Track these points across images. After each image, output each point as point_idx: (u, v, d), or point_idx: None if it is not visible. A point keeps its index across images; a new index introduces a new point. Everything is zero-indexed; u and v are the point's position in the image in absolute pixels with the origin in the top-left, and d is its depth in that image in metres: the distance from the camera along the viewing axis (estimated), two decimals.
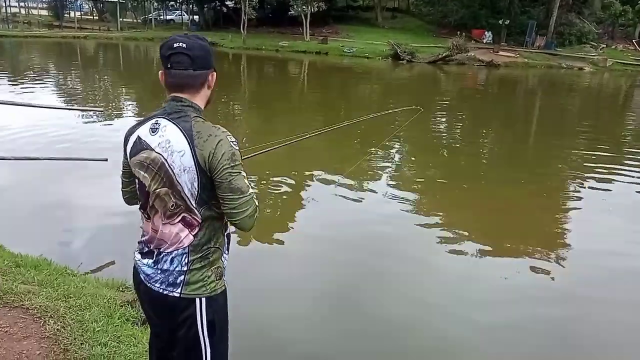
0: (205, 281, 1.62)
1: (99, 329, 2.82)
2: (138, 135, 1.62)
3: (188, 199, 1.57)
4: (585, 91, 21.77)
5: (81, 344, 2.67)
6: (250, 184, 1.58)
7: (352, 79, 21.07)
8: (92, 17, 47.30)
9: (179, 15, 44.15)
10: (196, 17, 41.75)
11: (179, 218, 1.60)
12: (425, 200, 6.71)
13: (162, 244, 1.63)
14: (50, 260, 3.78)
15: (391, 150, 9.05)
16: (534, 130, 12.33)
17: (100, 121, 10.03)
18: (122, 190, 1.82)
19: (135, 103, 13.37)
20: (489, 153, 10.01)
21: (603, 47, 31.71)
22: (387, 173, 7.76)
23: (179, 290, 1.60)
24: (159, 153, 1.56)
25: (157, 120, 1.59)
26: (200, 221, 1.59)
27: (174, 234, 1.60)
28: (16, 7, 45.23)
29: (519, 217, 6.13)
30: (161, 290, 1.62)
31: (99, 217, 5.15)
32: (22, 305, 2.93)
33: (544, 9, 33.67)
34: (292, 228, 5.46)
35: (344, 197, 6.38)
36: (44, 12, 46.82)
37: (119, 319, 2.97)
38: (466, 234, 5.46)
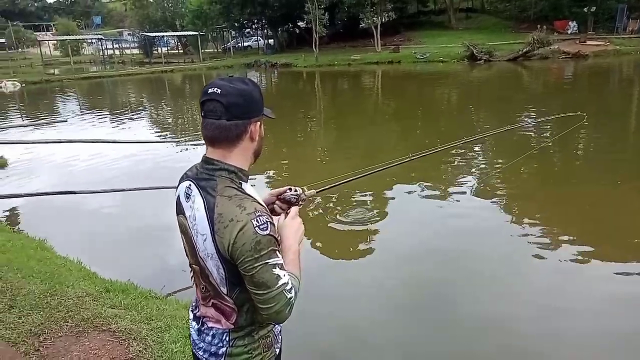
0: (251, 354, 1.49)
1: (177, 349, 2.98)
2: (178, 194, 1.49)
3: (217, 285, 1.44)
4: None
5: None
6: (280, 273, 1.36)
7: (426, 85, 20.62)
8: (177, 51, 50.90)
9: (255, 40, 46.07)
10: (271, 41, 43.31)
11: (210, 303, 1.49)
12: (516, 204, 6.42)
13: (203, 316, 1.54)
14: (137, 285, 4.06)
15: (474, 153, 8.73)
16: (634, 124, 11.22)
17: (185, 150, 10.71)
18: None
19: None
20: (584, 152, 9.17)
21: None
22: (475, 174, 7.63)
23: None
24: (189, 227, 1.44)
25: (189, 185, 1.44)
26: (234, 307, 1.45)
27: (210, 316, 1.51)
28: (112, 49, 50.02)
29: (620, 221, 5.61)
30: None
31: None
32: (110, 328, 3.17)
33: None
34: (377, 234, 5.57)
35: (428, 198, 6.57)
36: (136, 51, 51.10)
37: None
38: (564, 238, 5.22)
